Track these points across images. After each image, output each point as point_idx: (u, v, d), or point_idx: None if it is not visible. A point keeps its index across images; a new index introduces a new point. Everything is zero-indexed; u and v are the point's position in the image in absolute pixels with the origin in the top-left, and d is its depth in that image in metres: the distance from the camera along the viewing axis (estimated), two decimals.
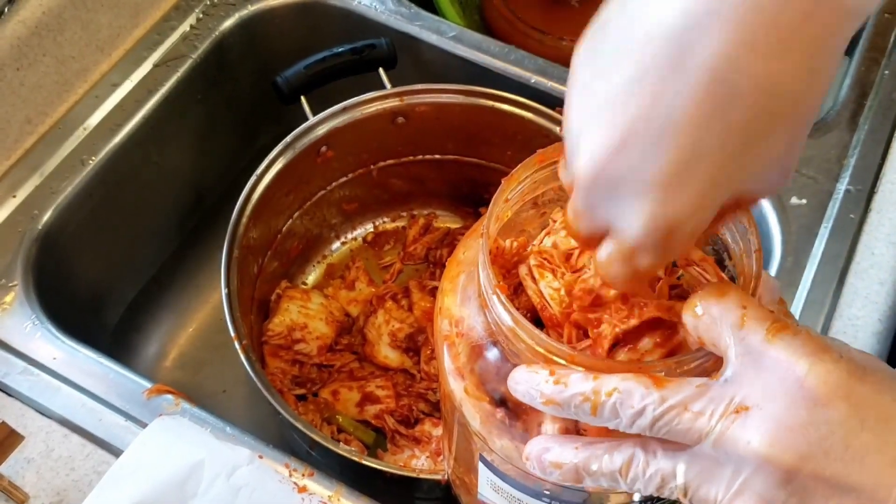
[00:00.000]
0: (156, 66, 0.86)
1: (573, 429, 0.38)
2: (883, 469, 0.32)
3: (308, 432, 0.66)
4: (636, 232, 0.34)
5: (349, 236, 0.97)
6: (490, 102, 0.83)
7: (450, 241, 0.95)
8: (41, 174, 0.79)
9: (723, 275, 0.40)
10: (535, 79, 0.87)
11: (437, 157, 0.92)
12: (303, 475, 0.62)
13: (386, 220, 0.98)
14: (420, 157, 0.92)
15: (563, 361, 0.35)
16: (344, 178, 0.91)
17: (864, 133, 0.84)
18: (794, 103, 0.32)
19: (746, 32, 0.30)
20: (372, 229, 0.98)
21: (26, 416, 0.66)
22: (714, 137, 0.32)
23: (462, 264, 0.41)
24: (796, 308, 0.74)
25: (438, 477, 0.62)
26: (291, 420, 0.66)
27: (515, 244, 0.41)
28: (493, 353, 0.39)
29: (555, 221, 0.41)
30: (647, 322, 0.37)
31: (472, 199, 0.96)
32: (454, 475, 0.50)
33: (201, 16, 0.90)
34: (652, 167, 0.33)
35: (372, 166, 0.91)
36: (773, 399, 0.33)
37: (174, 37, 0.88)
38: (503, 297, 0.36)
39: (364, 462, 0.65)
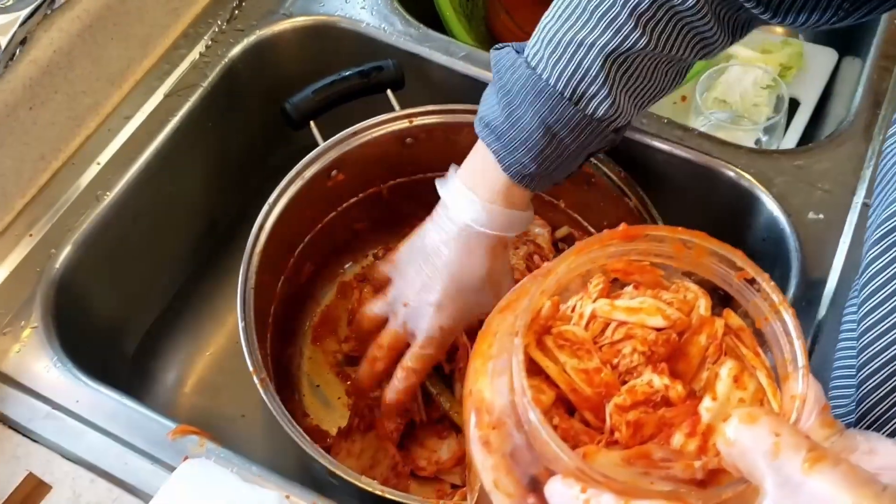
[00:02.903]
0: (167, 96, 0.86)
1: None
2: None
3: (326, 464, 0.66)
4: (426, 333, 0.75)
5: (360, 256, 0.97)
6: None
7: None
8: (56, 211, 0.79)
9: (759, 349, 0.39)
10: None
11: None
12: None
13: (397, 239, 0.98)
14: (430, 175, 0.92)
15: (597, 479, 0.34)
16: (354, 199, 0.91)
17: (878, 144, 0.83)
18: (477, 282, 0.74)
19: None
20: (383, 248, 0.97)
21: (52, 462, 0.66)
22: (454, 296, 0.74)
23: (493, 346, 0.40)
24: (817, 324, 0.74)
25: None
26: (310, 452, 0.67)
27: (549, 305, 0.40)
28: (525, 448, 0.38)
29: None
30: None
31: None
32: None
33: (210, 43, 0.90)
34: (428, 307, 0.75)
35: (382, 185, 0.91)
36: None
37: (184, 65, 0.88)
38: (539, 415, 0.35)
39: (387, 496, 0.66)
